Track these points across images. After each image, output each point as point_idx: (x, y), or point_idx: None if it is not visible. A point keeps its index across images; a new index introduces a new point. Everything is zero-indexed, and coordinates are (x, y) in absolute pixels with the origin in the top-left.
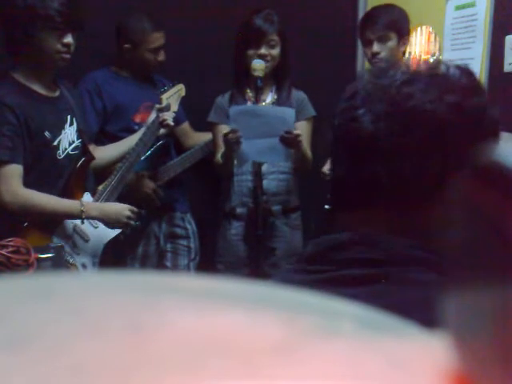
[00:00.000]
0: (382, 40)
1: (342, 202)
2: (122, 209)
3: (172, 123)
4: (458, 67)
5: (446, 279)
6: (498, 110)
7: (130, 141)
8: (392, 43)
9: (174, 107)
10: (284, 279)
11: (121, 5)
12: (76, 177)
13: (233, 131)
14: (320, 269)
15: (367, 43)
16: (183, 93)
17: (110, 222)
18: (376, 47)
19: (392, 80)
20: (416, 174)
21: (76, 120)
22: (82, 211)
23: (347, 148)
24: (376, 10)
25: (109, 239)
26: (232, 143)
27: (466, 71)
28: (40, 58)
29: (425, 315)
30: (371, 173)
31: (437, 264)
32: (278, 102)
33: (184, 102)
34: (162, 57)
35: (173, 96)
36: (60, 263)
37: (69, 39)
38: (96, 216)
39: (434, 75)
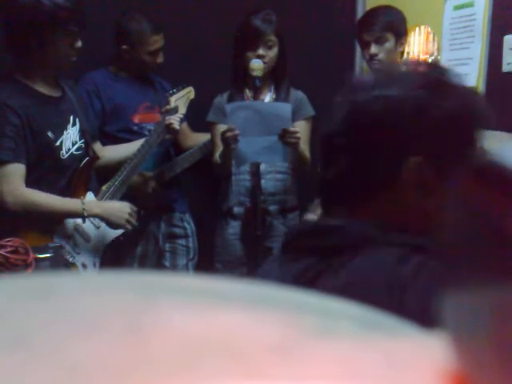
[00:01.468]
0: (380, 42)
1: (328, 198)
2: (124, 206)
3: (178, 127)
4: (424, 64)
5: (443, 278)
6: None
7: (140, 143)
8: (389, 44)
9: (182, 110)
10: (264, 270)
11: (120, 5)
12: (79, 176)
13: (230, 129)
14: (291, 257)
15: (365, 45)
16: (192, 96)
17: (111, 220)
18: (374, 49)
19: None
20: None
21: (79, 120)
22: (84, 209)
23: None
24: (372, 11)
25: (110, 240)
26: (230, 141)
27: (430, 67)
28: (53, 63)
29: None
30: (344, 170)
31: (403, 244)
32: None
33: None
34: (160, 59)
35: (181, 98)
36: (59, 263)
37: (79, 44)
38: (98, 214)
39: (395, 76)
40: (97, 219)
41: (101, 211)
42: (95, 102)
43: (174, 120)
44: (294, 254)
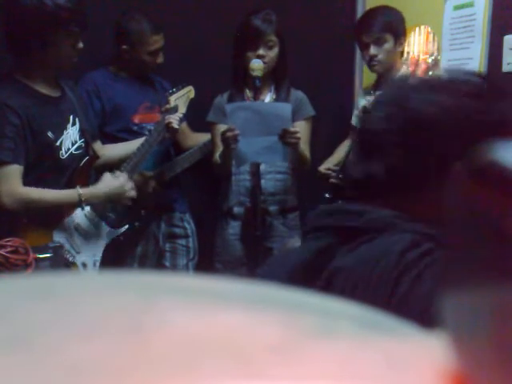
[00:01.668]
0: (379, 43)
1: (363, 192)
2: (119, 187)
3: (177, 126)
4: (464, 72)
5: (443, 275)
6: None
7: (140, 142)
8: (388, 45)
9: (182, 109)
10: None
11: (120, 5)
12: (79, 176)
13: (230, 129)
14: (312, 235)
15: (364, 46)
16: (192, 95)
17: (112, 199)
18: (373, 50)
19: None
20: (412, 168)
21: (79, 120)
22: (81, 199)
23: (360, 146)
24: (371, 12)
25: (110, 239)
26: (230, 141)
27: (470, 75)
28: (54, 64)
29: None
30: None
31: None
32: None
33: None
34: (160, 59)
35: (181, 98)
36: (58, 263)
37: (81, 45)
38: (96, 202)
39: (435, 81)
40: (96, 218)
41: (97, 199)
42: (95, 102)
43: (174, 119)
44: (314, 233)
